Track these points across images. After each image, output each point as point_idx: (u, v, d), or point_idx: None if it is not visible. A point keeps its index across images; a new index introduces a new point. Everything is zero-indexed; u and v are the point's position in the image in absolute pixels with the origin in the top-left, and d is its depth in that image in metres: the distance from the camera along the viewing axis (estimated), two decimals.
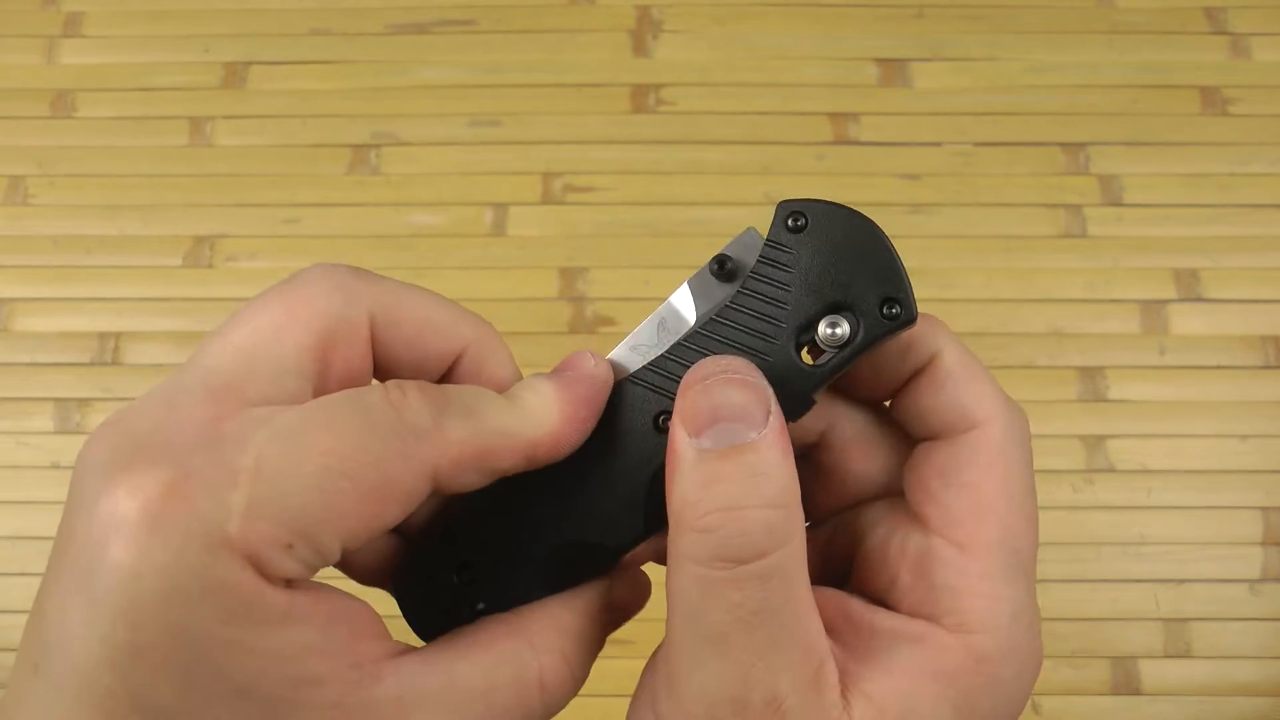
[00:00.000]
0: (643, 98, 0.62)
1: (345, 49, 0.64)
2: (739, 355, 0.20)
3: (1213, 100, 0.62)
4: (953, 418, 0.20)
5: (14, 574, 0.54)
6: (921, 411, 0.21)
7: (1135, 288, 0.58)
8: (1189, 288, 0.58)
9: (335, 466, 0.17)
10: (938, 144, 0.61)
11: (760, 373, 0.19)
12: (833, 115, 0.62)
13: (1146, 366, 0.56)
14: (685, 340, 0.21)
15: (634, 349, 0.21)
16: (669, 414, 0.20)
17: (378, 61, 0.63)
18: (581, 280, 0.58)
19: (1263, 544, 0.53)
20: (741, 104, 0.62)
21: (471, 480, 0.19)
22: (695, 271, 0.21)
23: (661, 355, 0.21)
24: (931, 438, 0.21)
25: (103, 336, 0.58)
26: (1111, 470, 0.55)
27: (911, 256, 0.63)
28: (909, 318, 0.20)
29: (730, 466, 0.18)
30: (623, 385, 0.21)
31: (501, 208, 0.60)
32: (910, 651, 0.19)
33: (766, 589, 0.18)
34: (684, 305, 0.21)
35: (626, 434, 0.20)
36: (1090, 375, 0.56)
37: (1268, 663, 0.52)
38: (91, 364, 0.57)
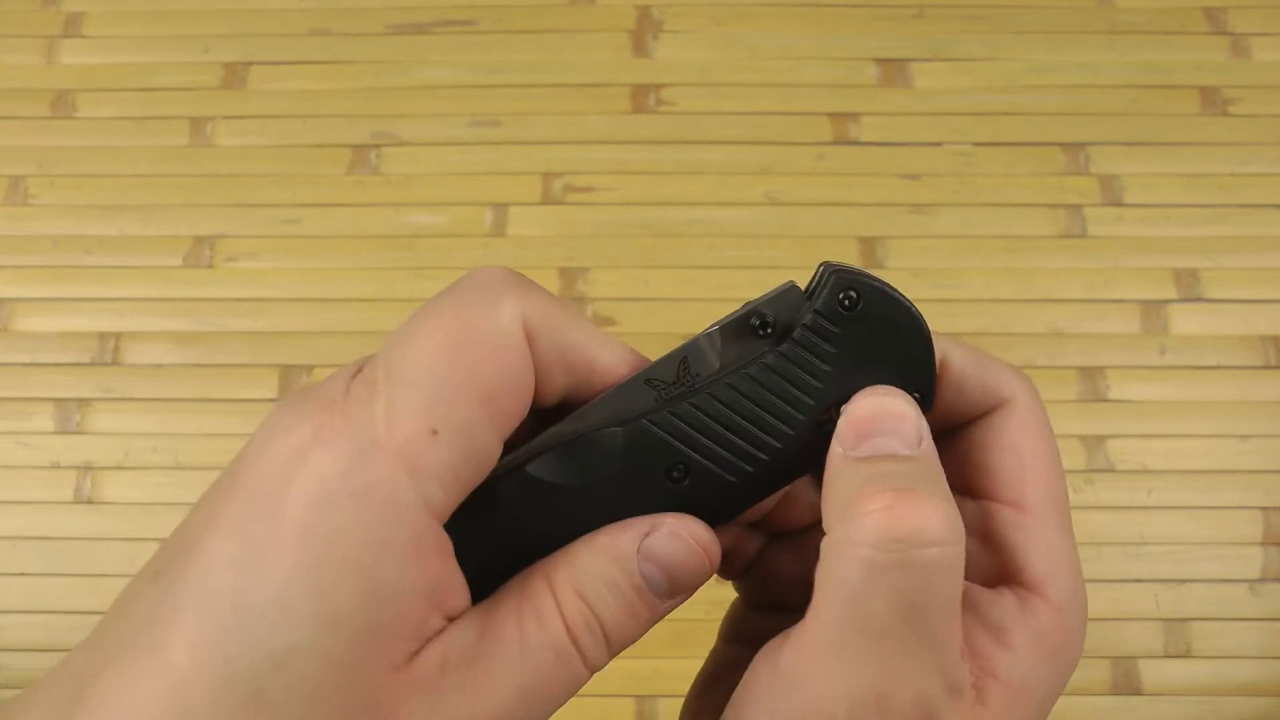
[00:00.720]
0: (643, 98, 0.62)
1: (345, 49, 0.64)
2: (763, 416, 0.20)
3: (1213, 100, 0.62)
4: (979, 401, 0.21)
5: (14, 574, 0.54)
6: (947, 408, 0.21)
7: (1135, 288, 0.58)
8: (1189, 288, 0.58)
9: (446, 339, 0.18)
10: (938, 144, 0.61)
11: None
12: (833, 115, 0.62)
13: (1146, 366, 0.56)
14: (710, 390, 0.20)
15: (649, 383, 0.20)
16: (685, 467, 0.20)
17: (378, 61, 0.63)
18: (581, 280, 0.58)
19: (1263, 544, 0.54)
20: (741, 104, 0.62)
21: (558, 381, 0.19)
22: (728, 316, 0.21)
23: (684, 401, 0.20)
24: (962, 425, 0.21)
25: (103, 336, 0.58)
26: (1111, 470, 0.55)
27: (911, 256, 0.64)
28: (928, 408, 0.20)
29: (899, 464, 0.19)
30: (637, 424, 0.20)
31: (501, 208, 0.60)
32: (1014, 619, 0.19)
33: (933, 581, 0.17)
34: (710, 349, 0.20)
35: (634, 480, 0.20)
36: (1090, 375, 0.56)
37: (1268, 663, 0.52)
38: (91, 364, 0.57)
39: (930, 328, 0.20)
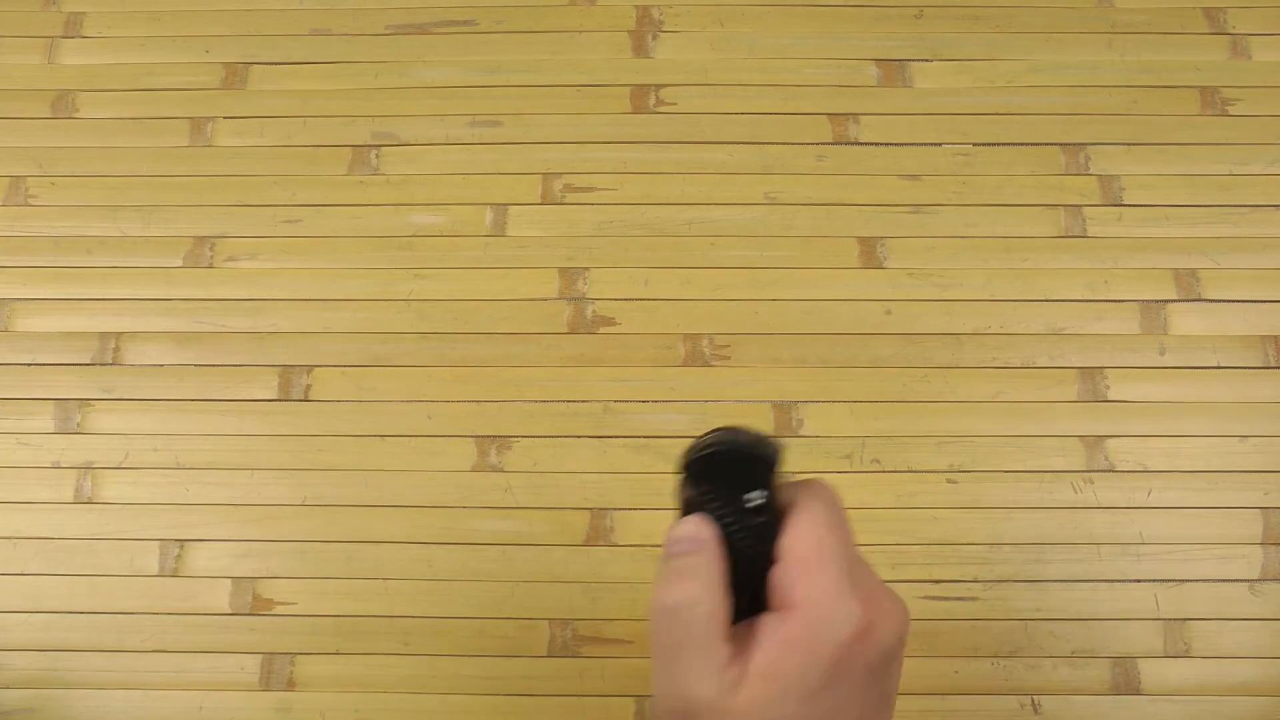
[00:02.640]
0: (643, 98, 0.62)
1: (345, 49, 0.64)
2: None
3: (1213, 100, 0.62)
4: (787, 509, 0.31)
5: (14, 574, 0.54)
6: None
7: (1135, 288, 0.58)
8: (1189, 288, 0.58)
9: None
10: (938, 144, 0.61)
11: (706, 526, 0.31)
12: (833, 115, 0.62)
13: (1146, 366, 0.56)
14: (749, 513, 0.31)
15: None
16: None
17: (378, 62, 0.63)
18: (581, 280, 0.58)
19: (1263, 544, 0.54)
20: (741, 104, 0.62)
21: None
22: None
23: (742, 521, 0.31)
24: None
25: (103, 336, 0.58)
26: (1111, 470, 0.55)
27: (912, 256, 0.64)
28: (772, 498, 0.30)
29: (680, 560, 0.30)
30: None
31: (501, 208, 0.60)
32: (770, 630, 0.28)
33: (681, 627, 0.29)
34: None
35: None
36: (1090, 375, 0.56)
37: (1268, 663, 0.52)
38: (91, 364, 0.57)
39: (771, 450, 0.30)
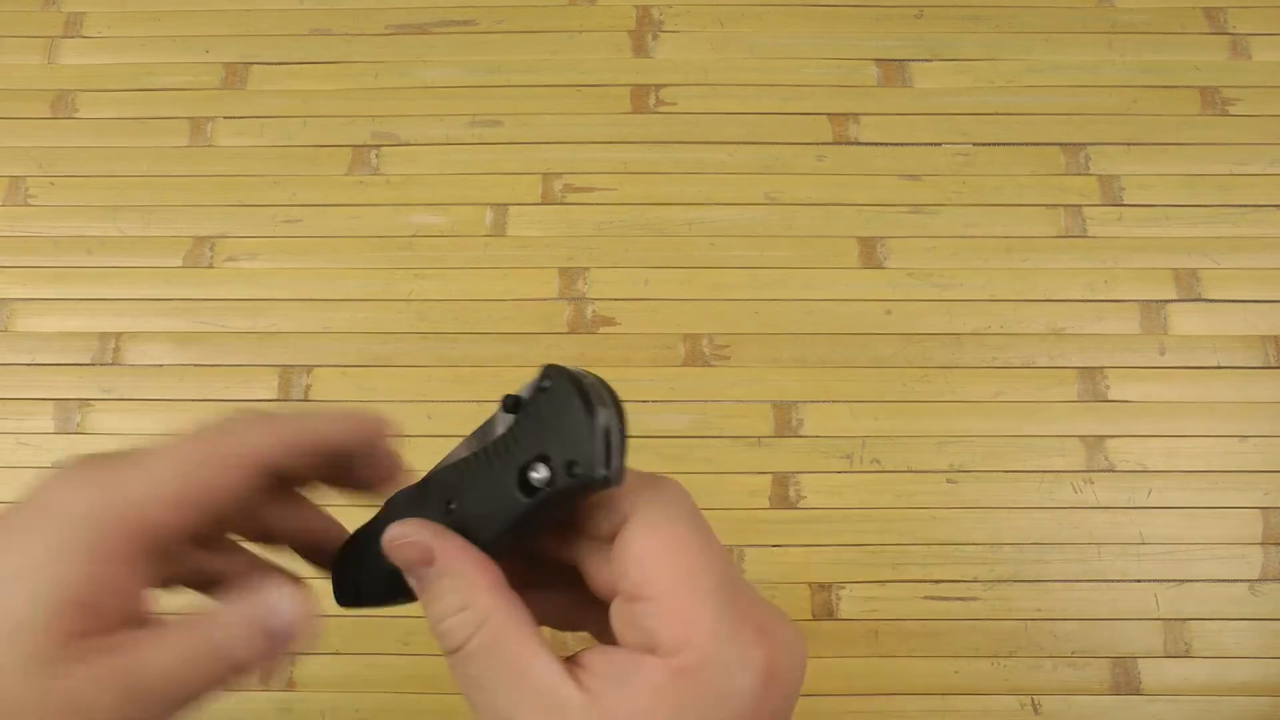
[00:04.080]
0: (643, 98, 0.62)
1: (345, 49, 0.64)
2: (499, 470, 0.26)
3: (1213, 100, 0.62)
4: (608, 528, 0.25)
5: None
6: (592, 538, 0.26)
7: (1135, 288, 0.58)
8: (1189, 288, 0.58)
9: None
10: (938, 144, 0.61)
11: (423, 528, 0.26)
12: (833, 115, 0.62)
13: (1146, 366, 0.56)
14: (470, 457, 0.27)
15: (455, 450, 0.28)
16: (456, 501, 0.27)
17: (378, 62, 0.63)
18: (581, 280, 0.58)
19: (1263, 544, 0.54)
20: (741, 104, 0.62)
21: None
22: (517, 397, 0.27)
23: (459, 459, 0.27)
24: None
25: (103, 336, 0.58)
26: (1111, 470, 0.55)
27: (912, 256, 0.64)
28: (588, 478, 0.24)
29: (426, 598, 0.26)
30: (439, 471, 0.28)
31: (501, 208, 0.60)
32: (629, 674, 0.23)
33: (478, 663, 0.24)
34: (501, 424, 0.27)
35: (428, 507, 0.27)
36: (1090, 375, 0.56)
37: (1268, 663, 0.52)
38: (91, 364, 0.57)
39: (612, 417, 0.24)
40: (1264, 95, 0.62)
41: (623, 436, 0.24)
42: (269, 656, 0.25)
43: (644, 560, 0.24)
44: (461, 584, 0.25)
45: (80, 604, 0.22)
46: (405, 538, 0.26)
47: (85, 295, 0.59)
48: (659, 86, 0.62)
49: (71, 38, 0.64)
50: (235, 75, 0.63)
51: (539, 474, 0.25)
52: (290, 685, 0.52)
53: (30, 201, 0.61)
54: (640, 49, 0.63)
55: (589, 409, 0.24)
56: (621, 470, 0.24)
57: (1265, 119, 0.61)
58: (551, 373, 0.25)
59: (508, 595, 0.25)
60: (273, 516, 0.30)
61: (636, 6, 0.64)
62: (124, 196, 0.61)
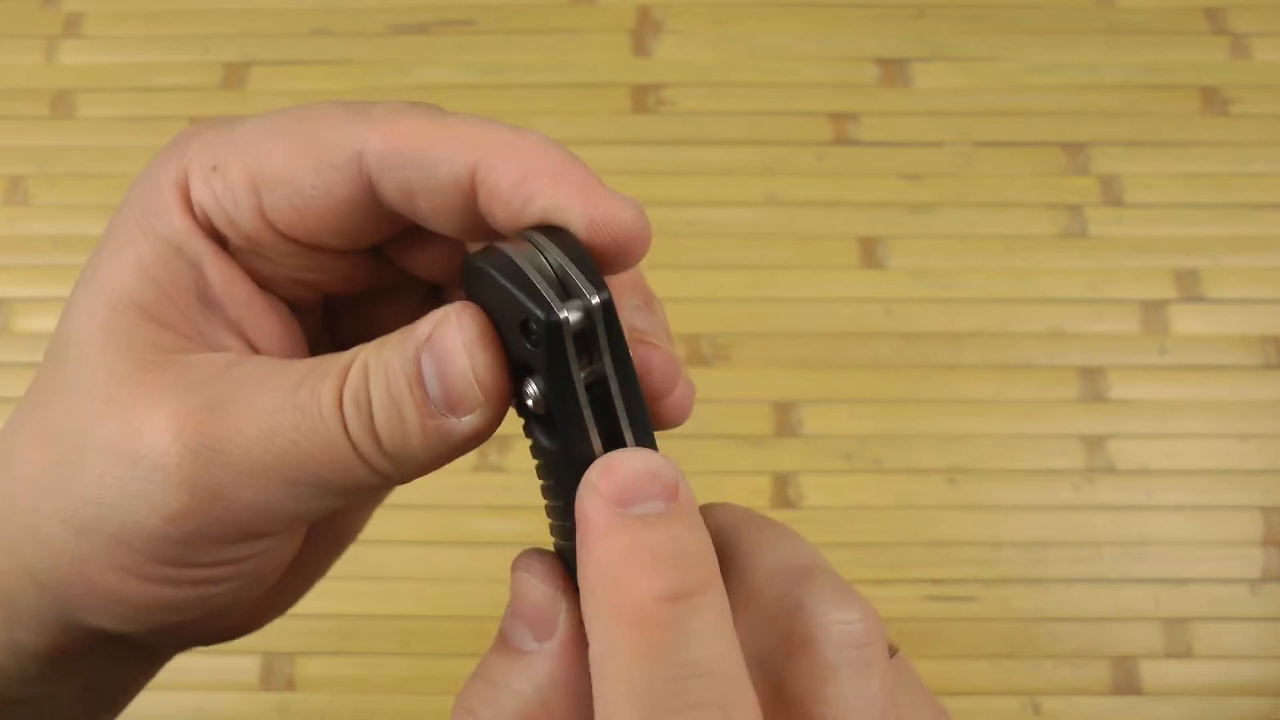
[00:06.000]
0: (643, 98, 0.62)
1: (346, 49, 0.64)
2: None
3: (1213, 100, 0.62)
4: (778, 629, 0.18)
5: None
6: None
7: (1135, 288, 0.58)
8: (1189, 288, 0.58)
9: (280, 120, 0.20)
10: (938, 144, 0.61)
11: (556, 580, 0.19)
12: (833, 115, 0.62)
13: (1146, 366, 0.56)
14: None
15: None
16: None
17: (378, 61, 0.63)
18: None
19: (1263, 544, 0.53)
20: (741, 104, 0.62)
21: (398, 175, 0.19)
22: None
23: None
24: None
25: None
26: (1111, 470, 0.55)
27: (912, 256, 0.64)
28: (547, 323, 0.17)
29: (505, 667, 0.19)
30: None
31: None
32: None
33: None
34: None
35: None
36: (1090, 375, 0.56)
37: (1268, 663, 0.52)
38: None
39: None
40: (1264, 95, 0.62)
41: (581, 259, 0.18)
42: (446, 408, 0.18)
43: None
44: (546, 694, 0.18)
45: (142, 310, 0.19)
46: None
47: None
48: (659, 86, 0.62)
49: (71, 37, 0.64)
50: (235, 75, 0.63)
51: (529, 386, 0.18)
52: (290, 685, 0.52)
53: (30, 201, 0.61)
54: (640, 49, 0.63)
55: (499, 264, 0.18)
56: (602, 285, 0.18)
57: (1265, 119, 0.61)
58: (464, 277, 0.19)
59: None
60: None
61: (636, 6, 0.64)
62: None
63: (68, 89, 0.63)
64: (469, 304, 0.19)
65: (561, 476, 0.19)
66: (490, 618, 0.58)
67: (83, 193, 0.61)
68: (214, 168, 0.20)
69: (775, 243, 0.59)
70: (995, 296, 0.58)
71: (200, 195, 0.20)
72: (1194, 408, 0.56)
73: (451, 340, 0.18)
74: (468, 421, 0.18)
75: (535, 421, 0.19)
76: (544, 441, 0.19)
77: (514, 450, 0.55)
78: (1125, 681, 0.52)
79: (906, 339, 0.57)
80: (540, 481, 0.20)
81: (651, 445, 0.19)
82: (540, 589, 0.19)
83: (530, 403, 0.19)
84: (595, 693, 0.16)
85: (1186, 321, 0.57)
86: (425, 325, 0.18)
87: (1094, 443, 0.55)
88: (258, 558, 0.20)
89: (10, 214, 0.60)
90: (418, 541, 0.54)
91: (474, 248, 0.20)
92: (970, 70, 0.63)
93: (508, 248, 0.19)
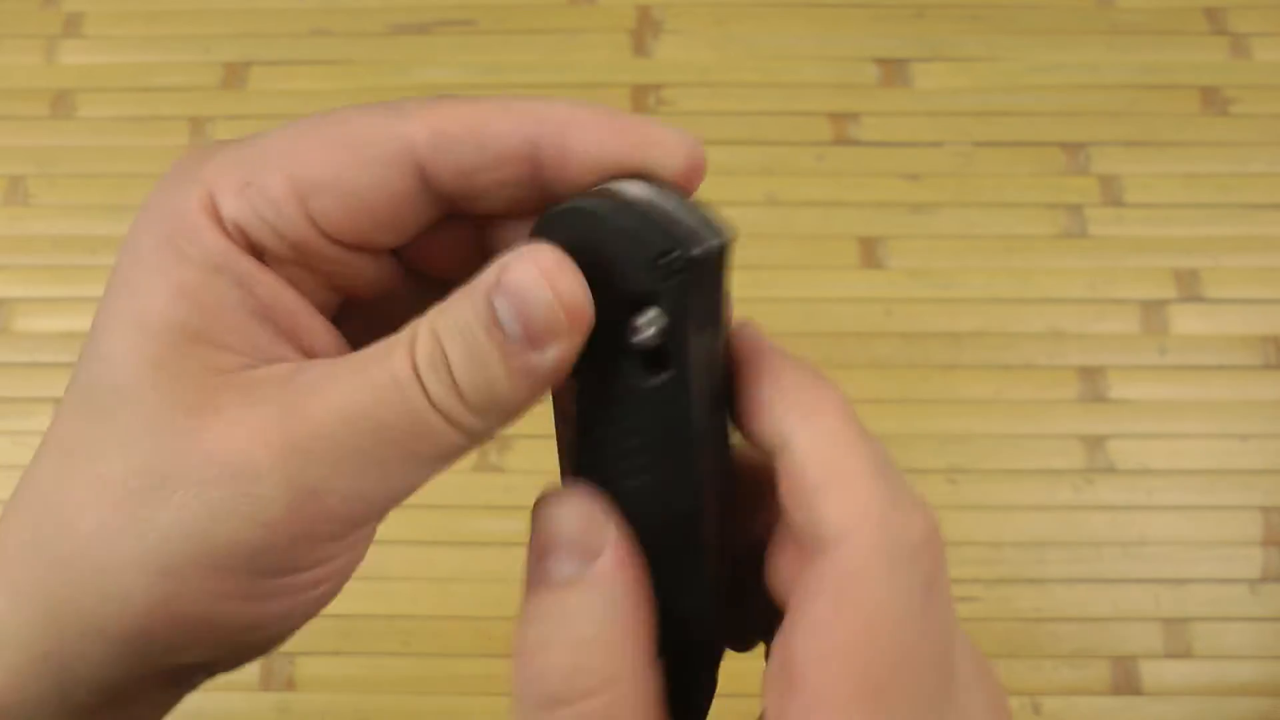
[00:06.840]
0: (643, 98, 0.62)
1: (346, 49, 0.64)
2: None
3: (1213, 100, 0.62)
4: (807, 534, 0.19)
5: None
6: (789, 519, 0.19)
7: (1135, 288, 0.58)
8: (1189, 288, 0.58)
9: (304, 128, 0.20)
10: (938, 144, 0.61)
11: (594, 505, 0.20)
12: (833, 115, 0.62)
13: (1146, 366, 0.56)
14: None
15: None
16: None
17: (378, 61, 0.63)
18: None
19: (1263, 544, 0.54)
20: (741, 104, 0.62)
21: (456, 160, 0.20)
22: None
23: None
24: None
25: None
26: (1112, 470, 0.55)
27: (912, 256, 0.64)
28: (710, 246, 0.19)
29: (551, 601, 0.20)
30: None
31: None
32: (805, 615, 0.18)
33: None
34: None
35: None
36: (1090, 375, 0.56)
37: (1268, 663, 0.52)
38: None
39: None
40: (1264, 95, 0.62)
41: (685, 200, 0.20)
42: (524, 351, 0.18)
43: (822, 654, 0.18)
44: (613, 614, 0.19)
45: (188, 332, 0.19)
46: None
47: (85, 295, 0.59)
48: (659, 86, 0.62)
49: (71, 37, 0.64)
50: (235, 75, 0.63)
51: (644, 320, 0.18)
52: (290, 685, 0.52)
53: (30, 201, 0.61)
54: (640, 49, 0.63)
55: (609, 209, 0.18)
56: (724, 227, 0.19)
57: (1265, 119, 0.61)
58: (545, 227, 0.19)
59: (650, 658, 0.19)
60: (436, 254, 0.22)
61: (636, 6, 0.64)
62: (124, 196, 0.61)
63: (68, 89, 0.63)
64: (536, 243, 0.19)
65: (661, 410, 0.19)
66: (491, 618, 0.58)
67: (83, 193, 0.61)
68: (247, 184, 0.19)
69: (775, 243, 0.59)
70: (995, 296, 0.58)
71: (234, 212, 0.19)
72: (1194, 408, 0.56)
73: (527, 273, 0.18)
74: (551, 354, 0.18)
75: (633, 360, 0.19)
76: (639, 381, 0.19)
77: (514, 450, 0.55)
78: (1125, 681, 0.52)
79: (906, 339, 0.57)
80: (586, 433, 0.20)
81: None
82: (584, 507, 0.20)
83: (639, 337, 0.19)
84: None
85: (1186, 321, 0.57)
86: (490, 273, 0.18)
87: (1094, 443, 0.55)
88: (351, 552, 0.21)
89: (10, 214, 0.60)
90: (418, 541, 0.54)
91: (505, 227, 0.21)
92: (970, 70, 0.63)
93: (601, 200, 0.19)
